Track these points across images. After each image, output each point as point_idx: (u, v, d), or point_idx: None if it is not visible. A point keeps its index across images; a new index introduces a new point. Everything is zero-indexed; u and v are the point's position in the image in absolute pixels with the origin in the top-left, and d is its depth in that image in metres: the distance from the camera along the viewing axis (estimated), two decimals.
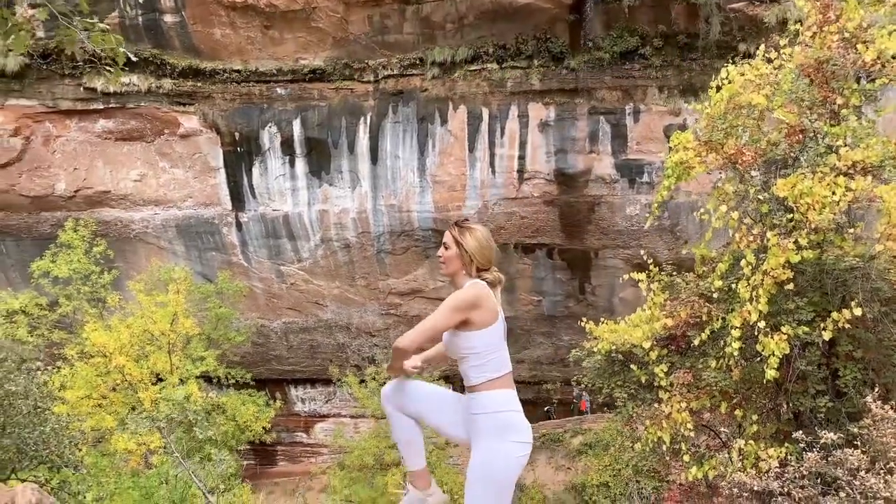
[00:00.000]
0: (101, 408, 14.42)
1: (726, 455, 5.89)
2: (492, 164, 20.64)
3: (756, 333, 5.51)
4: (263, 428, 18.59)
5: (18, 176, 20.99)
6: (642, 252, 8.08)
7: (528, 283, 22.89)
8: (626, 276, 7.29)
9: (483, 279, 3.35)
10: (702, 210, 6.22)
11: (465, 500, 3.21)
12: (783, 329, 5.42)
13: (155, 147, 21.42)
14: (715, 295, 6.15)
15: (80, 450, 11.53)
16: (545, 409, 24.88)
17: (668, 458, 7.49)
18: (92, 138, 21.08)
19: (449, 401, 3.48)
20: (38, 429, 9.44)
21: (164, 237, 22.36)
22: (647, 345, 6.56)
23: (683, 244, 21.04)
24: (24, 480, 9.47)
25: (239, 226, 22.14)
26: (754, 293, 5.47)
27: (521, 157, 20.56)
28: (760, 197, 5.68)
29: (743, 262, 5.68)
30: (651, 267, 7.31)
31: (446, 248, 3.41)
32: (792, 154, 5.84)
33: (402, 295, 23.42)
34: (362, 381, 19.89)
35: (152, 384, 15.49)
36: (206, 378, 19.34)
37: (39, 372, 11.17)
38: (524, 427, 3.26)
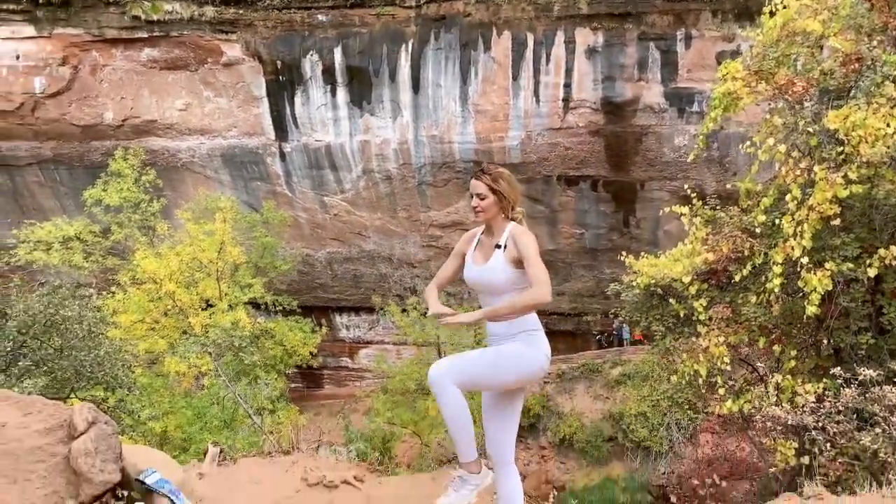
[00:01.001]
0: (153, 332, 15.07)
1: (763, 389, 5.88)
2: (536, 93, 20.19)
3: (799, 269, 5.40)
4: (310, 353, 19.21)
5: (68, 105, 21.42)
6: (686, 186, 7.89)
7: (571, 216, 22.69)
8: (667, 209, 7.16)
9: (515, 219, 3.58)
10: (747, 143, 6.00)
11: (465, 357, 3.49)
12: (827, 265, 5.29)
13: (199, 76, 21.51)
14: (758, 230, 6.01)
15: (133, 372, 12.07)
16: (599, 337, 24.72)
17: (703, 391, 7.52)
18: (137, 67, 21.26)
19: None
20: (94, 352, 9.80)
21: (210, 167, 22.72)
22: (686, 279, 6.49)
23: (732, 176, 20.47)
24: (82, 400, 10.02)
25: (283, 156, 22.33)
26: (798, 228, 5.34)
27: (567, 86, 20.05)
28: (810, 129, 5.44)
29: (788, 197, 5.51)
30: (694, 200, 7.16)
31: (481, 199, 3.52)
32: (846, 84, 5.56)
33: (443, 227, 23.50)
34: (404, 311, 20.27)
35: (202, 310, 16.06)
36: (255, 305, 19.95)
37: (94, 297, 11.64)
38: (548, 349, 3.50)
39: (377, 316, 25.33)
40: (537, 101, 20.32)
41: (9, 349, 9.30)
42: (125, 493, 3.62)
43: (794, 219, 5.39)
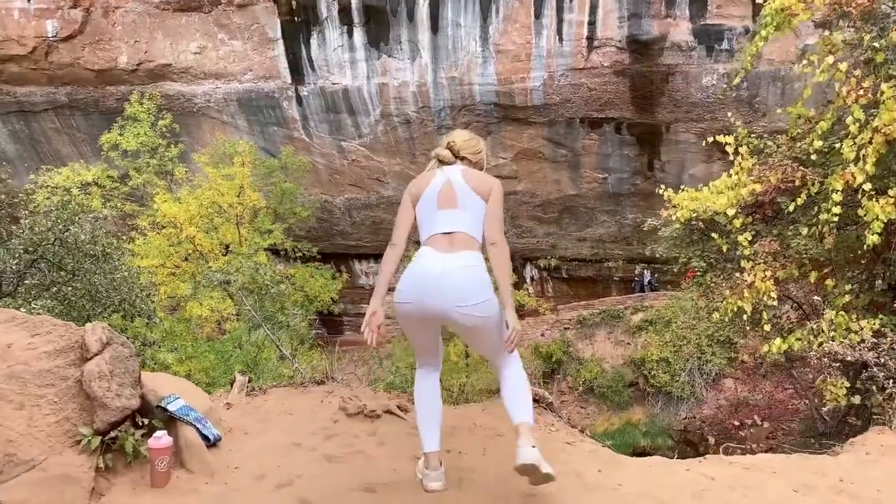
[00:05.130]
0: (174, 276, 15.02)
1: (813, 327, 5.62)
2: (559, 32, 19.49)
3: (860, 196, 5.07)
4: (331, 299, 19.16)
5: (82, 49, 21.03)
6: (729, 114, 7.48)
7: (594, 160, 22.19)
8: (709, 139, 6.79)
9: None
10: (803, 63, 5.59)
11: None
12: (890, 192, 4.96)
13: (213, 18, 20.97)
14: (813, 157, 5.66)
15: (153, 301, 11.85)
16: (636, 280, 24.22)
17: (747, 329, 7.28)
18: (150, 9, 20.76)
19: None
20: (109, 276, 9.29)
21: (226, 111, 22.35)
22: (731, 212, 6.18)
23: (761, 117, 19.78)
24: None
25: (299, 100, 21.88)
26: (861, 153, 4.99)
27: (592, 23, 19.32)
28: (876, 45, 5.04)
29: (849, 120, 5.14)
30: (739, 129, 6.78)
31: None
32: None
33: None
34: None
35: (222, 255, 15.98)
36: (274, 252, 19.86)
37: (107, 219, 11.17)
38: (405, 272, 3.22)
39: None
40: (560, 40, 19.64)
41: (15, 269, 8.76)
42: (145, 420, 3.39)
43: (855, 143, 5.03)
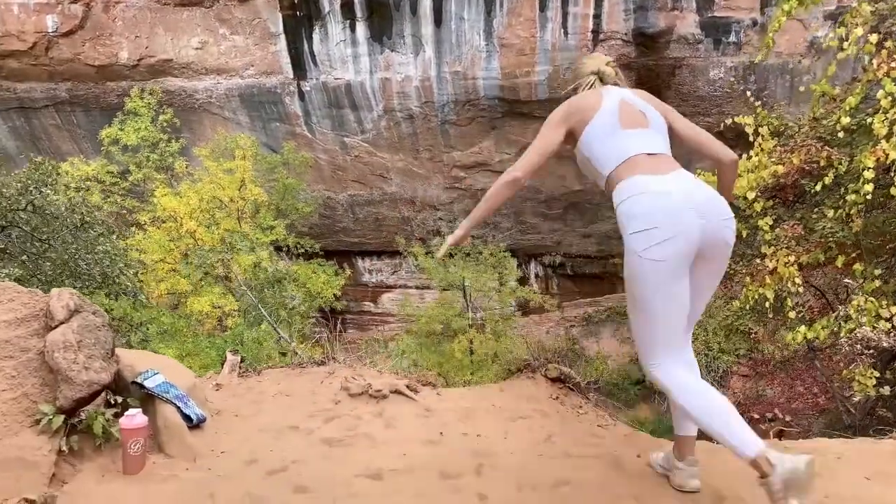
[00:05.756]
0: (175, 272, 14.78)
1: (841, 312, 5.37)
2: (564, 25, 19.25)
3: (893, 174, 4.82)
4: (334, 295, 18.93)
5: (82, 45, 20.83)
6: (750, 94, 7.22)
7: None
8: (728, 121, 6.54)
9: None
10: (829, 35, 5.33)
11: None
12: None
13: (214, 13, 20.77)
14: (840, 134, 5.40)
15: (141, 280, 11.31)
16: None
17: (770, 316, 7.02)
18: (151, 4, 20.55)
19: None
20: (90, 248, 8.63)
21: (227, 107, 22.14)
22: (750, 195, 5.93)
23: (770, 110, 19.54)
24: None
25: (301, 95, 21.66)
26: (893, 128, 4.74)
27: (597, 16, 19.08)
28: None
29: (880, 94, 4.89)
30: (758, 109, 6.52)
31: None
32: None
33: (467, 168, 22.87)
34: (428, 253, 19.87)
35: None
36: (277, 248, 19.62)
37: (91, 191, 10.51)
38: (644, 207, 2.46)
39: (400, 259, 24.99)
40: (565, 33, 19.40)
41: None
42: (118, 398, 3.00)
43: (887, 117, 4.79)
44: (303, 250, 19.58)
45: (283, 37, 20.80)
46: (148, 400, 3.16)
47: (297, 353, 5.54)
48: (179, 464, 3.00)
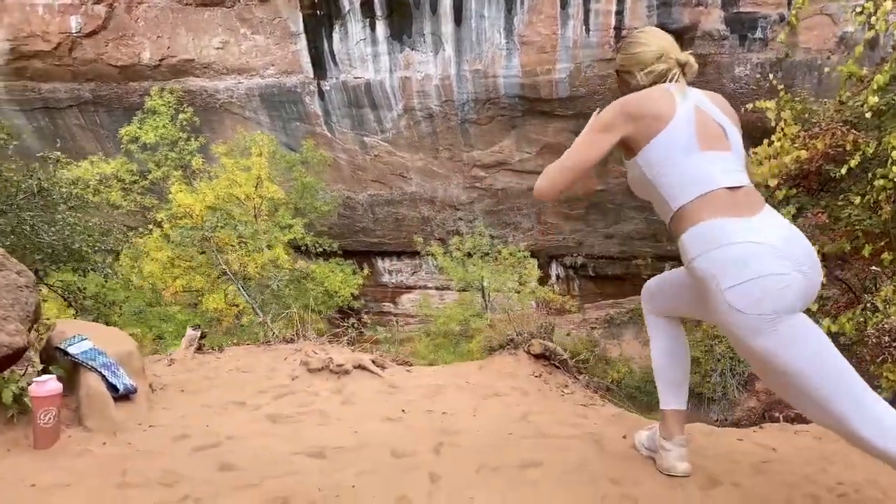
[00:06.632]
0: (192, 269, 14.78)
1: (868, 304, 5.07)
2: (586, 22, 18.96)
3: None
4: (352, 294, 18.84)
5: (105, 45, 21.02)
6: (775, 81, 6.92)
7: (621, 155, 21.59)
8: (749, 105, 6.25)
9: (640, 85, 2.43)
10: (857, 10, 5.05)
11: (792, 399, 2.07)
12: None
13: (235, 12, 20.84)
14: (868, 115, 5.10)
15: (118, 259, 10.66)
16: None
17: None
18: (173, 4, 20.69)
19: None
20: (48, 216, 7.95)
21: (248, 107, 22.19)
22: (773, 182, 5.64)
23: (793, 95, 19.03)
24: (49, 286, 8.40)
25: (321, 94, 21.63)
26: None
27: (619, 13, 18.76)
28: None
29: None
30: (781, 94, 6.24)
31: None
32: None
33: (487, 167, 22.66)
34: (446, 252, 19.71)
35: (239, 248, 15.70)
36: (296, 248, 19.60)
37: (63, 161, 9.90)
38: (760, 253, 1.96)
39: (420, 260, 24.84)
40: (587, 30, 19.12)
41: None
42: (40, 366, 2.73)
43: None
44: (321, 249, 19.54)
45: (303, 36, 20.80)
46: (75, 369, 2.90)
47: (267, 325, 5.33)
48: (97, 437, 2.75)
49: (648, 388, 19.18)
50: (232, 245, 14.80)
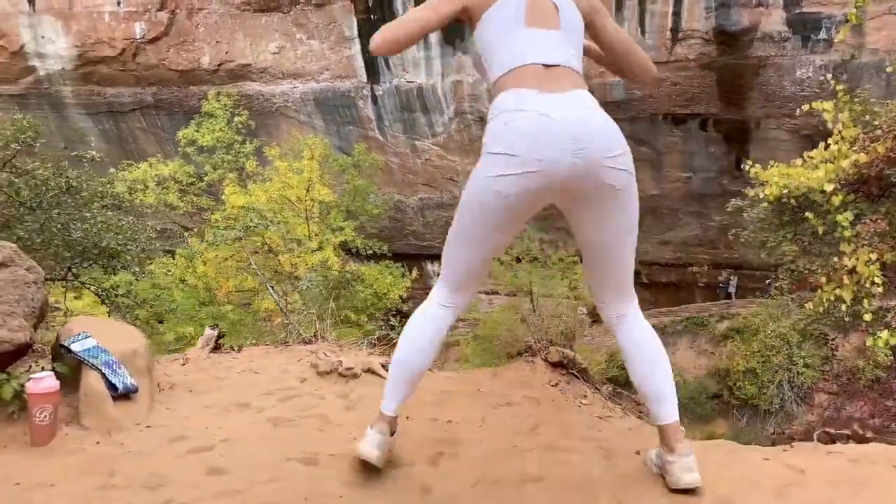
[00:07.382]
0: (244, 270, 15.09)
1: None
2: (641, 23, 18.64)
3: None
4: (400, 297, 18.92)
5: (167, 50, 21.72)
6: (836, 82, 6.62)
7: (677, 159, 21.11)
8: (805, 107, 5.99)
9: None
10: None
11: None
12: None
13: (291, 18, 21.25)
14: None
15: (151, 260, 10.64)
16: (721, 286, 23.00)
17: (846, 321, 6.40)
18: (231, 10, 21.22)
19: None
20: (78, 215, 7.87)
21: (303, 111, 22.58)
22: (829, 188, 5.38)
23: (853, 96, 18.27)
24: (82, 283, 8.40)
25: (374, 99, 21.85)
26: None
27: (676, 14, 18.38)
28: None
29: None
30: (840, 95, 5.96)
31: None
32: None
33: None
34: (495, 257, 19.58)
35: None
36: (346, 250, 19.82)
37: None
38: (508, 132, 2.08)
39: None
40: (642, 31, 18.79)
41: None
42: (44, 364, 2.74)
43: None
44: (371, 251, 19.70)
45: (357, 41, 21.05)
46: (79, 368, 2.91)
47: (286, 315, 5.33)
48: (92, 436, 2.73)
49: (701, 399, 18.67)
50: (280, 247, 15.06)
